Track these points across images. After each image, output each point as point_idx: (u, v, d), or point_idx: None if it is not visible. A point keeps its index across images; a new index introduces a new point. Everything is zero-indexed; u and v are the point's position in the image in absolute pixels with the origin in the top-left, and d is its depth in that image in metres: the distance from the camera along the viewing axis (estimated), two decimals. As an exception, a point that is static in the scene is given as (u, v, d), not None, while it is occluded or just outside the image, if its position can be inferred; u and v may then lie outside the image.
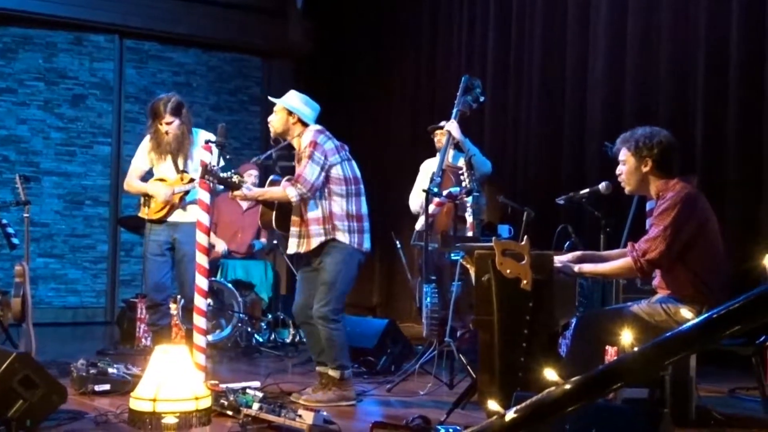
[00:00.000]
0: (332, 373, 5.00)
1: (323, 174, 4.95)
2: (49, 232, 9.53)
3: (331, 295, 4.98)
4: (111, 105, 9.86)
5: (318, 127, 5.10)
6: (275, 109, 5.15)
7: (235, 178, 4.98)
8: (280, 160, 6.64)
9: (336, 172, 5.01)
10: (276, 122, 5.13)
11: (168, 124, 5.60)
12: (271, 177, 5.36)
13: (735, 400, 5.21)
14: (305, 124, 5.09)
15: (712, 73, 6.55)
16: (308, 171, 4.91)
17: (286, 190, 4.95)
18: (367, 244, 5.13)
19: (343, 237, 4.99)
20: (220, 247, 7.68)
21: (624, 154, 4.24)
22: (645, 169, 4.18)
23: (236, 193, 5.09)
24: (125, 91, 9.96)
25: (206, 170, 4.95)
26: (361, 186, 5.16)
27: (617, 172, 4.30)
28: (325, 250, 5.01)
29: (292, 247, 5.09)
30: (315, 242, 4.99)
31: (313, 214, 4.99)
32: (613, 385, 1.55)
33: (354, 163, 5.18)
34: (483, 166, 6.39)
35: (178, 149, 5.65)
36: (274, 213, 5.17)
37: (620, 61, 7.23)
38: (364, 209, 5.14)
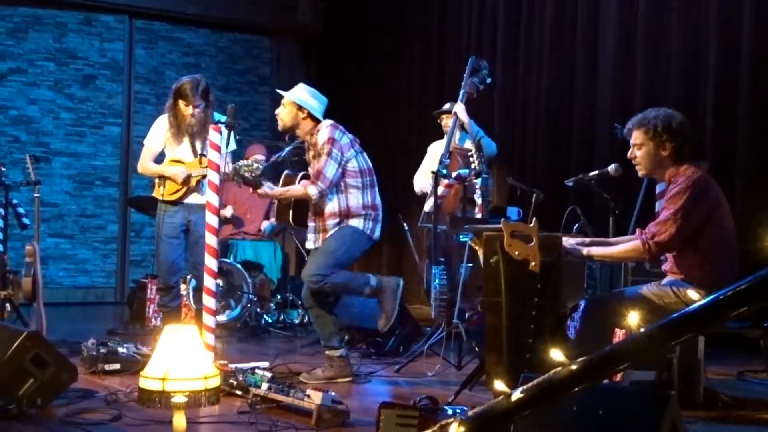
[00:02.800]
0: (328, 352, 5.12)
1: (341, 169, 5.00)
2: (60, 212, 9.58)
3: (327, 262, 5.00)
4: (121, 86, 9.88)
5: (331, 122, 5.12)
6: (283, 102, 5.14)
7: (256, 175, 5.04)
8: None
9: (352, 165, 5.06)
10: (285, 116, 5.12)
11: (195, 107, 5.54)
12: (286, 172, 5.38)
13: (743, 382, 5.21)
14: (314, 118, 5.09)
15: (723, 56, 6.51)
16: (328, 168, 4.96)
17: (308, 189, 5.00)
18: (377, 234, 5.18)
19: (356, 222, 5.05)
20: (228, 212, 7.71)
21: (640, 138, 4.18)
22: (664, 153, 4.14)
23: (258, 191, 5.13)
24: (135, 72, 9.97)
25: (235, 172, 5.03)
26: (374, 177, 5.21)
27: (630, 155, 4.26)
28: (336, 229, 5.06)
29: (310, 242, 5.16)
30: (332, 231, 5.06)
31: (330, 208, 5.05)
32: (619, 366, 1.55)
33: (366, 155, 5.22)
34: (488, 148, 6.37)
35: (200, 132, 5.58)
36: (291, 210, 5.25)
37: (631, 43, 7.19)
38: (378, 200, 5.19)
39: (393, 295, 5.11)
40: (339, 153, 4.99)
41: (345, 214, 5.04)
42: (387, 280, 5.22)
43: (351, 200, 5.05)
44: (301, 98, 5.09)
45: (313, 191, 4.99)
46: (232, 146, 5.53)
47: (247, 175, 5.01)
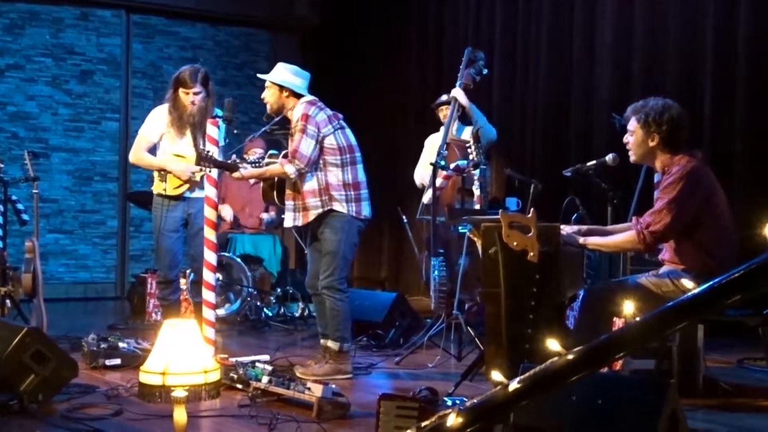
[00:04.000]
0: (331, 344, 5.02)
1: (318, 146, 4.94)
2: (59, 208, 9.58)
3: (335, 264, 4.99)
4: (119, 80, 9.86)
5: (309, 98, 5.06)
6: (266, 84, 5.12)
7: (231, 160, 4.99)
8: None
9: (329, 142, 4.98)
10: (270, 98, 5.10)
11: (196, 94, 5.47)
12: (270, 151, 5.35)
13: (743, 370, 5.22)
14: (298, 96, 5.06)
15: (721, 44, 6.50)
16: (303, 145, 4.89)
17: (285, 168, 4.93)
18: (366, 211, 5.10)
19: (340, 207, 4.98)
20: (227, 213, 7.71)
21: (632, 125, 4.24)
22: (652, 144, 4.18)
23: (234, 174, 5.07)
24: (133, 67, 9.95)
25: (201, 157, 4.96)
26: (357, 154, 5.12)
27: (624, 140, 4.31)
28: (324, 221, 5.01)
29: (288, 220, 5.11)
30: (312, 215, 4.99)
31: (309, 186, 4.97)
32: (616, 354, 1.56)
33: (348, 131, 5.14)
34: (489, 134, 6.37)
35: (202, 122, 5.45)
36: (275, 190, 5.18)
37: (628, 33, 7.18)
38: (361, 177, 5.11)
39: (338, 370, 4.98)
40: (315, 129, 4.91)
41: (325, 192, 4.96)
42: (349, 359, 5.08)
43: (330, 177, 4.96)
44: (280, 78, 5.06)
45: (290, 169, 4.91)
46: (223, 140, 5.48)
47: (218, 159, 4.95)
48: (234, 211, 7.93)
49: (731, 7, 6.45)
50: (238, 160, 5.08)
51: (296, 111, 5.00)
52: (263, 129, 5.52)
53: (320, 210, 4.97)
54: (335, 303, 5.00)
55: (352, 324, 5.15)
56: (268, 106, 5.13)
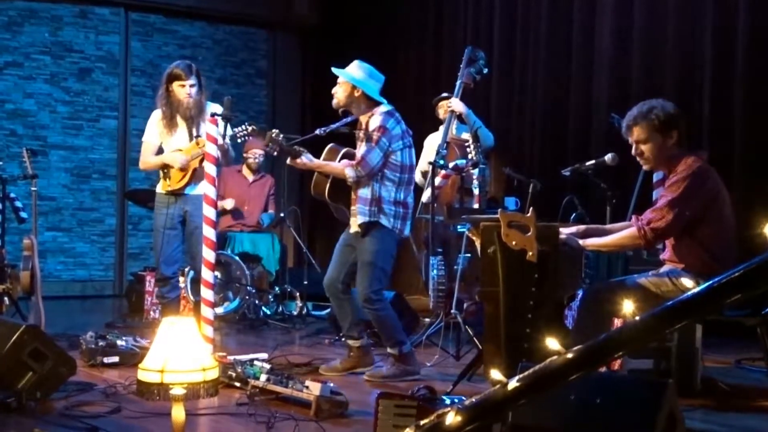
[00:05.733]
0: (391, 350, 5.00)
1: (384, 159, 4.90)
2: (57, 205, 9.58)
3: (372, 276, 4.94)
4: (117, 78, 9.86)
5: (388, 108, 5.01)
6: (339, 81, 5.04)
7: (297, 147, 4.95)
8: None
9: (395, 158, 4.94)
10: (340, 94, 5.02)
11: (191, 86, 5.53)
12: (330, 145, 5.24)
13: (741, 370, 5.22)
14: (369, 98, 5.00)
15: (720, 45, 6.50)
16: (372, 156, 4.86)
17: (345, 170, 4.90)
18: (407, 231, 5.09)
19: (386, 221, 4.94)
20: (229, 204, 7.72)
21: (644, 133, 4.13)
22: (671, 142, 4.12)
23: (297, 161, 5.00)
24: (131, 65, 9.95)
25: (271, 138, 4.90)
26: (413, 175, 5.10)
27: (635, 152, 4.20)
28: (367, 232, 4.96)
29: (354, 225, 5.03)
30: (359, 220, 4.94)
31: (363, 193, 4.93)
32: (614, 354, 1.56)
33: (413, 150, 5.09)
34: (486, 140, 6.38)
35: (198, 115, 5.55)
36: (328, 184, 5.09)
37: (627, 32, 7.18)
38: (411, 199, 5.08)
39: (405, 371, 4.96)
40: (387, 142, 4.87)
41: (376, 204, 4.91)
42: (415, 360, 5.07)
43: (383, 191, 4.92)
44: (355, 77, 4.99)
45: (350, 173, 4.88)
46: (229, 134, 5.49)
47: (286, 144, 4.90)
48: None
49: (730, 10, 6.44)
50: (300, 149, 5.03)
51: (374, 119, 4.94)
52: (336, 125, 5.18)
53: (367, 219, 4.92)
54: (377, 314, 4.98)
55: (400, 324, 5.11)
56: (335, 100, 5.03)
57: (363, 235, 4.97)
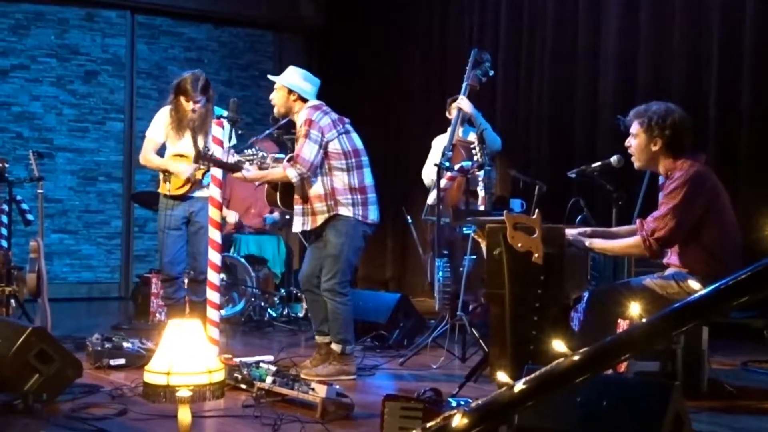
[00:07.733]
0: (334, 346, 5.02)
1: (321, 151, 4.92)
2: (63, 208, 9.59)
3: (337, 268, 4.97)
4: (123, 81, 9.88)
5: (314, 103, 5.06)
6: (275, 86, 5.12)
7: (234, 160, 4.97)
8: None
9: (334, 146, 4.96)
10: (277, 100, 5.10)
11: (196, 103, 5.55)
12: (277, 155, 5.32)
13: (747, 372, 5.21)
14: (305, 100, 5.05)
15: (726, 47, 6.49)
16: (306, 150, 4.88)
17: (286, 171, 4.93)
18: (372, 215, 5.08)
19: (346, 211, 4.97)
20: (232, 218, 7.72)
21: (635, 129, 4.23)
22: (654, 148, 4.17)
23: (236, 175, 5.06)
24: (137, 67, 9.97)
25: (201, 155, 4.96)
26: (364, 158, 5.10)
27: (627, 144, 4.29)
28: (329, 225, 5.00)
29: (297, 225, 5.09)
30: (320, 219, 4.98)
31: (315, 191, 4.96)
32: (621, 356, 1.56)
33: (354, 135, 5.12)
34: (493, 144, 6.37)
35: (201, 127, 5.59)
36: (278, 193, 5.17)
37: (633, 34, 7.17)
38: (368, 180, 5.09)
39: (341, 371, 4.96)
40: (318, 134, 4.90)
41: (331, 197, 4.94)
42: (354, 362, 5.08)
43: (336, 182, 4.95)
44: (289, 81, 5.05)
45: (292, 174, 4.91)
46: (233, 141, 5.51)
47: (219, 159, 4.93)
48: (239, 212, 7.93)
49: (737, 11, 6.43)
50: (241, 161, 5.07)
51: (300, 115, 5.00)
52: (268, 131, 5.52)
53: (327, 215, 4.96)
54: (336, 306, 4.99)
55: (354, 326, 5.14)
56: (275, 109, 5.13)
57: (327, 228, 5.00)
